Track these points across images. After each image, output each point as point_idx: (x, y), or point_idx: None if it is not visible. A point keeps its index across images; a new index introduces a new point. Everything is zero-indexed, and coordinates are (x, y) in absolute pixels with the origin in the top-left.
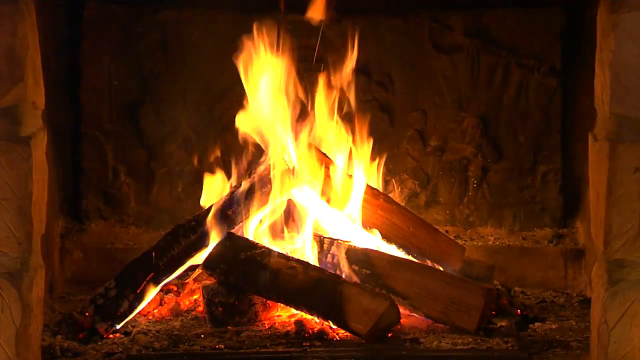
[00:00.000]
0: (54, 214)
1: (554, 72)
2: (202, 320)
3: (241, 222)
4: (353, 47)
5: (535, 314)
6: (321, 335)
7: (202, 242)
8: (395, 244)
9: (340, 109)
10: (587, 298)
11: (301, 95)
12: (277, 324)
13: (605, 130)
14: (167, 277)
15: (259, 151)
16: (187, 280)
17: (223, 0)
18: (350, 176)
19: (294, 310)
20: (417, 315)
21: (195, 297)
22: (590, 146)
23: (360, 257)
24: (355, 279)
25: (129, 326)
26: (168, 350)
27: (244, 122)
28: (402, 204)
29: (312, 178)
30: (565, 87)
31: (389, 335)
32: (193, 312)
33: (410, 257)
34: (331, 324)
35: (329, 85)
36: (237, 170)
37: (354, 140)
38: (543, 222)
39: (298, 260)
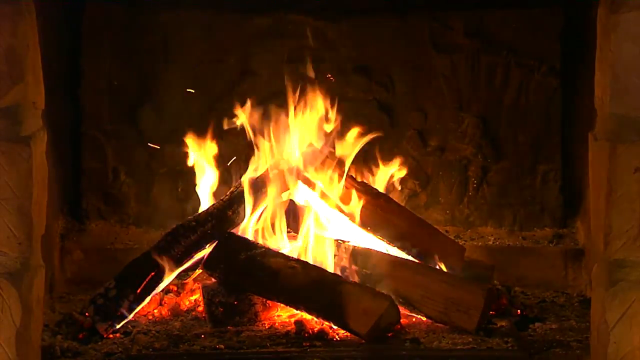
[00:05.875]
0: (54, 214)
1: (554, 72)
2: (202, 320)
3: (241, 222)
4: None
5: (535, 314)
6: (321, 335)
7: (202, 242)
8: (395, 244)
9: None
10: (587, 298)
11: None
12: (277, 324)
13: (605, 130)
14: (167, 277)
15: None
16: (187, 280)
17: (223, 0)
18: (350, 176)
19: (294, 310)
20: (417, 315)
21: (195, 297)
22: (590, 146)
23: (361, 257)
24: (355, 279)
25: (129, 326)
26: (168, 350)
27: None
28: (402, 204)
29: (312, 178)
30: (565, 87)
31: (389, 335)
32: (193, 312)
33: (410, 257)
34: (331, 324)
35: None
36: (237, 170)
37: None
38: (543, 222)
39: (298, 260)
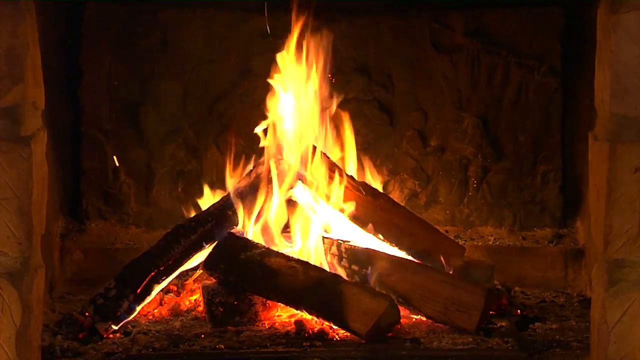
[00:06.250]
0: (54, 214)
1: (554, 72)
2: (202, 320)
3: (241, 222)
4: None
5: (535, 314)
6: (321, 335)
7: (202, 242)
8: (395, 244)
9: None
10: (587, 298)
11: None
12: (277, 324)
13: (605, 130)
14: (167, 277)
15: (260, 151)
16: (187, 280)
17: (223, 0)
18: (350, 176)
19: (294, 310)
20: (417, 315)
21: (195, 297)
22: (590, 146)
23: (360, 257)
24: (355, 279)
25: (129, 326)
26: (168, 350)
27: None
28: (402, 204)
29: (312, 177)
30: (565, 87)
31: (389, 335)
32: (193, 312)
33: (410, 257)
34: (331, 324)
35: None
36: (237, 170)
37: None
38: (543, 222)
39: (298, 260)
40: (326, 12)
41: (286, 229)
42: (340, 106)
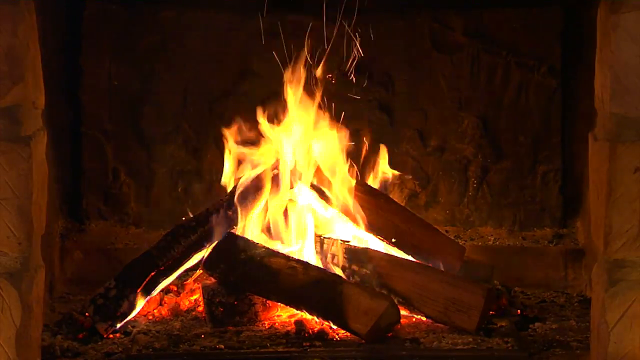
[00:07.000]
0: (54, 214)
1: (554, 72)
2: (202, 320)
3: (241, 222)
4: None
5: (535, 314)
6: (321, 335)
7: (202, 242)
8: (395, 244)
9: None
10: (587, 298)
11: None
12: (277, 324)
13: (605, 130)
14: (167, 277)
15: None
16: (187, 280)
17: (223, 0)
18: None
19: (294, 310)
20: (417, 315)
21: (195, 297)
22: (590, 146)
23: (360, 257)
24: (355, 279)
25: (129, 326)
26: (168, 350)
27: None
28: (402, 204)
29: (312, 178)
30: (565, 87)
31: (389, 335)
32: (193, 312)
33: (410, 257)
34: (331, 324)
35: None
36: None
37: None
38: (543, 222)
39: (298, 260)
40: (327, 12)
41: (287, 229)
42: (339, 106)
